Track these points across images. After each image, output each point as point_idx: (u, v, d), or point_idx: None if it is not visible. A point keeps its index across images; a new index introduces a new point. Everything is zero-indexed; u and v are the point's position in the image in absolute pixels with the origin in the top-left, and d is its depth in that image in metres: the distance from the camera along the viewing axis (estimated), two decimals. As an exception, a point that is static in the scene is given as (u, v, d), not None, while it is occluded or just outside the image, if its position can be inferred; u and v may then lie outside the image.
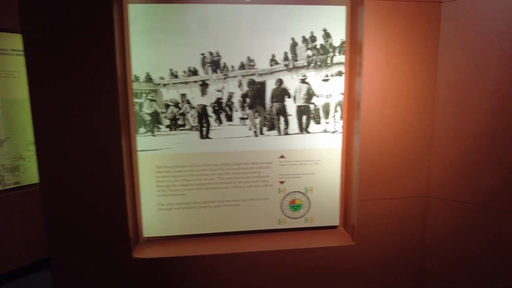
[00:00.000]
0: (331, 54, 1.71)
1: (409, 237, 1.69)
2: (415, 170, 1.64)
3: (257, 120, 1.71)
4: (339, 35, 1.67)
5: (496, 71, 1.45)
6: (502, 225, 1.54)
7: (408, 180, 1.65)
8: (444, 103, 1.58)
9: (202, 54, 1.62)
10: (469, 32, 1.49)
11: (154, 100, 1.63)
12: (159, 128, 1.65)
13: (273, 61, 1.70)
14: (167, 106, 1.64)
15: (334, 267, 1.68)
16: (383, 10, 1.50)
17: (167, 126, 1.65)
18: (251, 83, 1.70)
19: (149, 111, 1.63)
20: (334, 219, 1.83)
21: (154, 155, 1.65)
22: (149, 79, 1.60)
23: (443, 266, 1.67)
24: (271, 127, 1.74)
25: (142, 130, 1.63)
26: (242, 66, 1.66)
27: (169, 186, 1.69)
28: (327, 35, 1.70)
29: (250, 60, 1.67)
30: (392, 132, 1.61)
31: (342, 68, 1.70)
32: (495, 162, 1.53)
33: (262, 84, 1.70)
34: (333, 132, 1.76)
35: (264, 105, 1.70)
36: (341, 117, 1.73)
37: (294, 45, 1.69)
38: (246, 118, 1.71)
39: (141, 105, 1.63)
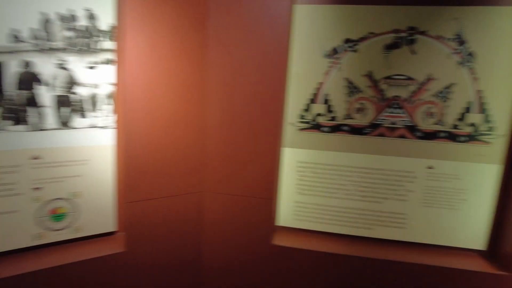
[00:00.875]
0: (98, 38, 1.46)
1: (186, 234, 1.65)
2: (190, 166, 1.58)
3: (-6, 112, 1.31)
4: (106, 18, 1.43)
5: (256, 69, 1.56)
6: (262, 213, 1.70)
7: (183, 176, 1.58)
8: (213, 98, 1.56)
9: None
10: (233, 31, 1.48)
11: None
12: None
13: (16, 37, 1.32)
14: None
15: (108, 277, 1.54)
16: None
17: None
18: (-18, 63, 1.28)
19: None
20: (108, 225, 1.61)
21: None
22: None
23: (219, 257, 1.69)
24: (18, 121, 1.37)
25: None
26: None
27: None
28: (91, 16, 1.43)
29: (-21, 33, 1.25)
30: (162, 128, 1.49)
31: (111, 56, 1.47)
32: (256, 156, 1.65)
33: (0, 65, 1.30)
34: (104, 127, 1.51)
35: (4, 93, 1.30)
36: (112, 110, 1.51)
37: (46, 21, 1.35)
38: (-24, 109, 1.29)
39: None
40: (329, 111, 1.68)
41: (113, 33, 1.51)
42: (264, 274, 1.70)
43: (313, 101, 1.68)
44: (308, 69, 1.65)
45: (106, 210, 1.64)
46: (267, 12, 1.51)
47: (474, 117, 1.58)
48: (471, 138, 1.60)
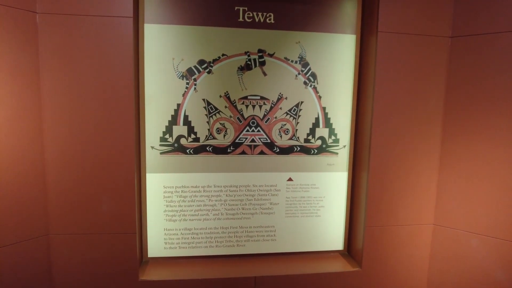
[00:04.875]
0: None
1: (32, 285, 1.40)
2: (32, 208, 1.37)
3: None
4: None
5: (99, 92, 1.52)
6: (123, 249, 1.65)
7: (22, 219, 1.35)
8: (52, 127, 1.39)
9: None
10: (69, 52, 1.36)
11: None
12: None
13: None
14: None
15: None
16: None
17: None
18: None
19: None
20: None
21: None
22: None
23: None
24: None
25: None
26: None
27: None
28: None
29: None
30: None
31: None
32: (111, 188, 1.58)
33: None
34: None
35: None
36: None
37: None
38: None
39: None
40: (191, 132, 1.69)
41: None
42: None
43: (173, 123, 1.67)
44: (164, 91, 1.65)
45: None
46: (105, 31, 1.45)
47: (322, 131, 1.78)
48: (321, 150, 1.79)
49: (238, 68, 1.70)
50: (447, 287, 1.74)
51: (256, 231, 1.83)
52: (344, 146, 1.82)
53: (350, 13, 1.72)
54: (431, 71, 1.65)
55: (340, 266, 1.78)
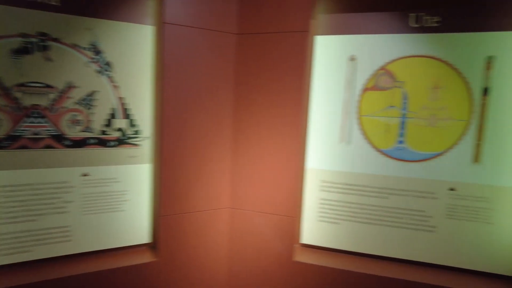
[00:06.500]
0: None
1: None
2: None
3: None
4: None
5: None
6: None
7: None
8: None
9: None
10: None
11: None
12: None
13: None
14: None
15: None
16: None
17: None
18: None
19: None
20: None
21: None
22: None
23: None
24: None
25: None
26: None
27: None
28: None
29: None
30: None
31: None
32: None
33: None
34: None
35: None
36: None
37: None
38: None
39: None
40: None
41: None
42: None
43: None
44: None
45: None
46: None
47: (120, 122, 1.74)
48: (121, 142, 1.76)
49: (13, 51, 1.54)
50: (246, 265, 1.92)
51: (46, 234, 1.69)
52: (147, 138, 1.84)
53: (147, 4, 1.76)
54: (220, 65, 1.82)
55: (140, 258, 1.79)
